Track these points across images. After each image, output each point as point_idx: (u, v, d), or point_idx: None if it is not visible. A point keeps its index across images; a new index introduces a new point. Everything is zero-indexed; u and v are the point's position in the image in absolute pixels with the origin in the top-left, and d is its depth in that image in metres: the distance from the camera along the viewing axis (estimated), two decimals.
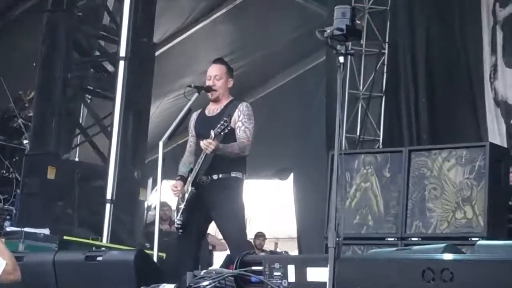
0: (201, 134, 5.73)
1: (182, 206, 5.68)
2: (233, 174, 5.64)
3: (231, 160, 5.62)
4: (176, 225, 5.74)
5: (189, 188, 5.60)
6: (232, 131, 5.61)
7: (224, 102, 5.81)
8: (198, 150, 5.78)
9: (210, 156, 5.53)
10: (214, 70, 5.85)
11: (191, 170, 5.71)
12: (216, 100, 5.81)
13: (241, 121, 5.68)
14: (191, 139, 5.95)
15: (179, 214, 5.69)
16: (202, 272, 4.24)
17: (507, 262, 3.46)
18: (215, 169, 5.61)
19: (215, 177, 5.61)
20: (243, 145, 5.64)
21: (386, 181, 6.54)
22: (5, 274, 4.21)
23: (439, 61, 10.16)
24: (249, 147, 5.69)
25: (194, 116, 5.96)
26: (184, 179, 5.74)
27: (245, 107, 5.73)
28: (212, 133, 5.46)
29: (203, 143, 5.47)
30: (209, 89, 5.95)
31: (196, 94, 6.06)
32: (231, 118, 5.55)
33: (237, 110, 5.69)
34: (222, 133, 5.45)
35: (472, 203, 6.07)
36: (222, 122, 5.48)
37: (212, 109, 5.84)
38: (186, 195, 5.63)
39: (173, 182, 5.84)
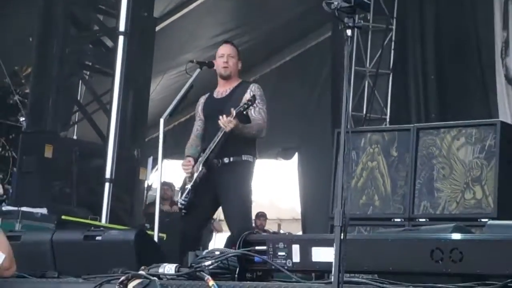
0: (210, 116, 5.76)
1: (188, 186, 5.69)
2: (244, 157, 5.68)
3: (243, 143, 5.64)
4: (180, 205, 5.74)
5: (199, 167, 5.63)
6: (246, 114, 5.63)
7: (234, 84, 5.85)
8: (205, 135, 5.80)
9: (226, 136, 5.54)
10: (228, 49, 5.88)
11: (203, 152, 5.73)
12: (227, 78, 5.83)
13: (256, 103, 5.70)
14: (198, 123, 5.96)
15: (185, 194, 5.70)
16: (204, 252, 4.25)
17: None
18: (226, 152, 5.63)
19: (226, 160, 5.65)
20: (259, 126, 5.70)
21: (393, 160, 6.54)
22: (1, 269, 4.25)
23: (449, 36, 10.13)
24: (265, 129, 5.75)
25: (201, 100, 5.99)
26: (194, 159, 5.76)
27: (257, 88, 5.78)
28: (233, 111, 5.47)
29: (222, 121, 5.47)
30: (211, 64, 5.96)
31: (198, 70, 6.07)
32: (255, 98, 5.57)
33: (249, 91, 5.73)
34: (244, 112, 5.50)
35: (482, 183, 6.07)
36: (246, 101, 5.52)
37: (221, 92, 5.87)
38: (195, 175, 5.64)
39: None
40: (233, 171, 5.62)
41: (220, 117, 5.51)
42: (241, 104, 5.52)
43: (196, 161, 5.72)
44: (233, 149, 5.63)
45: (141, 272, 4.05)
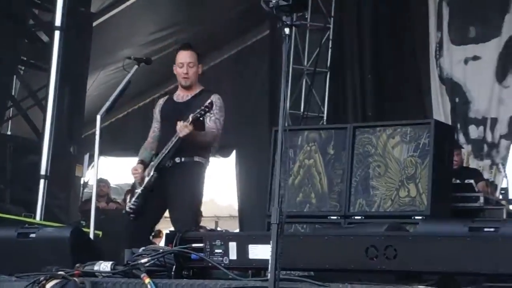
0: (168, 119, 5.72)
1: (138, 191, 5.64)
2: (196, 159, 5.66)
3: (196, 145, 5.60)
4: (128, 209, 5.69)
5: (151, 172, 5.59)
6: (202, 121, 5.60)
7: (195, 90, 5.80)
8: (162, 136, 5.75)
9: (179, 141, 5.50)
10: (188, 57, 5.77)
11: (156, 155, 5.67)
12: (188, 88, 5.78)
13: (213, 111, 5.67)
14: (155, 124, 5.92)
15: (134, 198, 5.65)
16: (141, 250, 4.22)
17: (450, 238, 3.53)
18: (179, 152, 5.60)
19: (177, 160, 5.61)
20: (213, 135, 5.69)
21: (330, 158, 6.59)
22: None
23: (385, 37, 10.25)
24: (218, 139, 5.72)
25: (160, 102, 5.96)
26: (145, 164, 5.71)
27: (217, 98, 5.75)
28: (190, 117, 5.44)
29: (179, 125, 5.43)
30: (149, 61, 5.93)
31: (135, 67, 6.03)
32: (212, 105, 5.52)
33: (209, 101, 5.68)
34: (201, 118, 5.46)
35: (416, 181, 6.16)
36: (203, 108, 5.47)
37: (182, 96, 5.82)
38: (146, 179, 5.60)
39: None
40: (184, 172, 5.60)
41: (178, 122, 5.46)
42: (198, 110, 5.48)
43: (148, 164, 5.69)
44: (186, 150, 5.60)
45: (60, 272, 3.99)
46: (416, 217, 5.93)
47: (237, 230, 11.97)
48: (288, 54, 3.52)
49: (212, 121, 5.66)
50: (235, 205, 12.60)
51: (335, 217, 6.46)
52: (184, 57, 5.77)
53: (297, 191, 6.65)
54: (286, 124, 3.49)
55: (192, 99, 5.73)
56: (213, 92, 5.85)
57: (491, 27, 9.50)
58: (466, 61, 9.69)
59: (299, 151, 6.75)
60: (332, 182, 6.54)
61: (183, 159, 5.60)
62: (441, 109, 9.75)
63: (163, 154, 5.56)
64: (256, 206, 10.30)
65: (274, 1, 3.50)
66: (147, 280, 3.81)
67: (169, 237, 4.37)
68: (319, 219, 6.50)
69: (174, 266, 4.10)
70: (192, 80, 5.76)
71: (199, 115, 5.46)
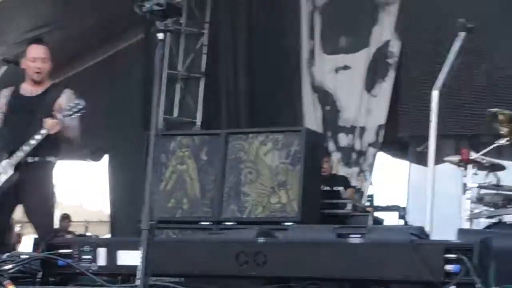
0: (16, 113, 5.56)
1: None
2: (47, 158, 5.54)
3: (48, 143, 5.48)
4: None
5: (9, 170, 5.41)
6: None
7: (45, 85, 5.67)
8: (5, 130, 5.57)
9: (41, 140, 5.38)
10: (42, 52, 5.66)
11: (11, 152, 5.48)
12: (38, 83, 5.63)
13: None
14: None
15: None
16: (5, 256, 4.09)
17: (319, 244, 3.60)
18: (32, 151, 5.46)
19: (30, 160, 5.47)
20: (76, 133, 5.59)
21: (203, 164, 6.61)
22: None
23: (260, 44, 10.36)
24: (79, 136, 5.63)
25: (5, 93, 5.74)
26: None
27: (72, 94, 5.64)
28: (61, 116, 5.35)
29: (50, 123, 5.33)
30: (18, 62, 5.76)
31: (4, 67, 5.86)
32: (80, 105, 5.43)
33: (63, 96, 5.57)
34: (70, 117, 5.35)
35: (287, 188, 6.27)
36: (73, 107, 5.39)
37: (30, 90, 5.65)
38: (3, 177, 5.43)
39: None
40: (35, 172, 5.47)
41: (47, 119, 5.34)
42: (69, 108, 5.40)
43: None
44: (39, 149, 5.46)
45: None
46: (287, 223, 6.02)
47: (109, 236, 11.82)
48: (162, 58, 3.50)
49: (74, 120, 5.58)
50: (106, 210, 12.43)
51: (207, 223, 6.48)
52: (37, 51, 5.67)
53: (169, 196, 6.63)
54: (158, 129, 3.46)
55: (43, 94, 5.62)
56: (64, 86, 5.78)
57: (360, 37, 9.75)
58: (336, 70, 9.91)
59: (172, 156, 6.74)
60: (205, 187, 6.56)
61: (35, 159, 5.50)
62: (312, 117, 9.93)
63: (26, 152, 5.41)
64: (129, 211, 10.19)
65: (147, 6, 3.47)
66: (10, 287, 3.70)
67: (37, 243, 4.26)
68: (190, 225, 6.51)
69: (41, 273, 4.00)
70: (44, 75, 5.66)
71: (70, 113, 5.37)
